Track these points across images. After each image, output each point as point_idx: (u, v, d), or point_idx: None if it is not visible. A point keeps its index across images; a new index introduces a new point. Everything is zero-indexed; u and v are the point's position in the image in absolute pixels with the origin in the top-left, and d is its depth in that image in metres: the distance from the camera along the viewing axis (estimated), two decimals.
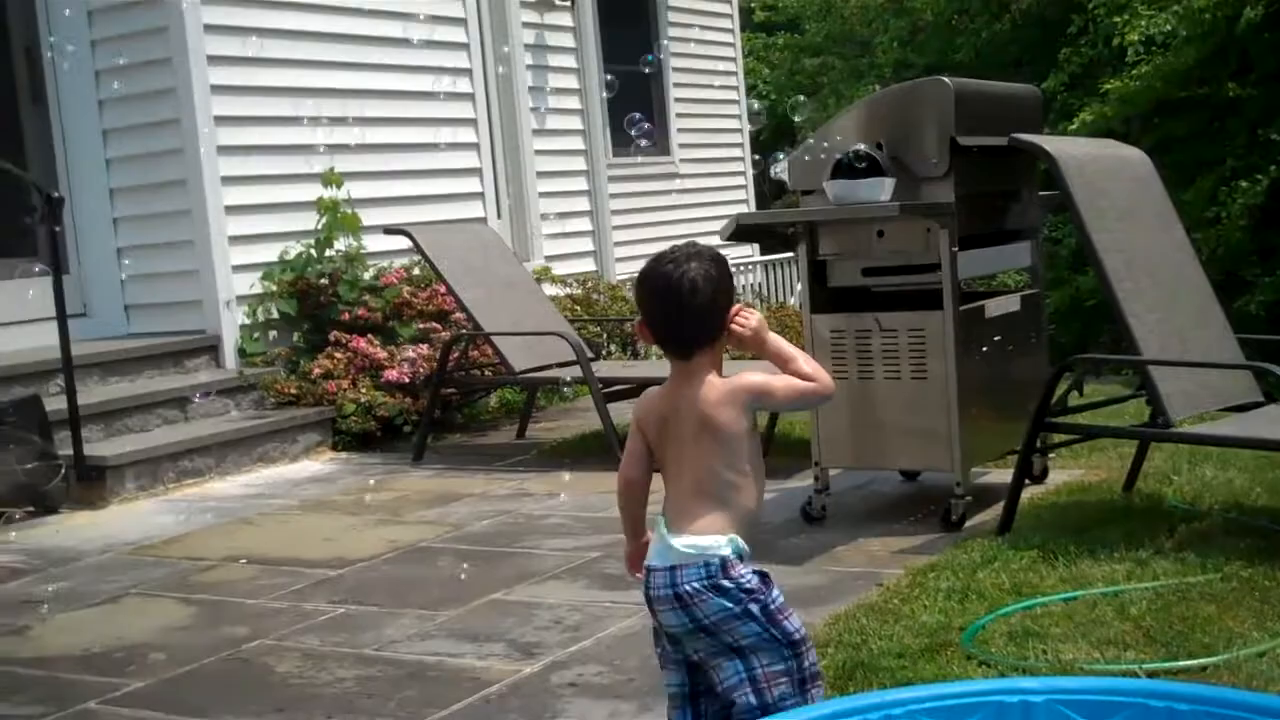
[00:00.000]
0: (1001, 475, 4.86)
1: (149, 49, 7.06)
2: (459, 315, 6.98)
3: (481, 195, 8.71)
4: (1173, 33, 11.30)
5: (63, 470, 5.76)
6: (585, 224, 10.05)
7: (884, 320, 4.61)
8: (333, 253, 7.38)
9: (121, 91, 7.18)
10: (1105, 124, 11.21)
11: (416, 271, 7.52)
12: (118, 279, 7.33)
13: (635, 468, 2.45)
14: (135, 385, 6.62)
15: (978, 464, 4.83)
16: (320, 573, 4.53)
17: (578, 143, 10.03)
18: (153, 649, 3.83)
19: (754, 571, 2.34)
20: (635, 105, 10.13)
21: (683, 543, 2.30)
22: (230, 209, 7.08)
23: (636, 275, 2.45)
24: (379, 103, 7.95)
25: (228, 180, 7.07)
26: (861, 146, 4.56)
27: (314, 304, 7.20)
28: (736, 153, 12.13)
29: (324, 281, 7.20)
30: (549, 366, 6.46)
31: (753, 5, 19.92)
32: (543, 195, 9.52)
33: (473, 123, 8.67)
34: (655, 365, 7.51)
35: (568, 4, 10.00)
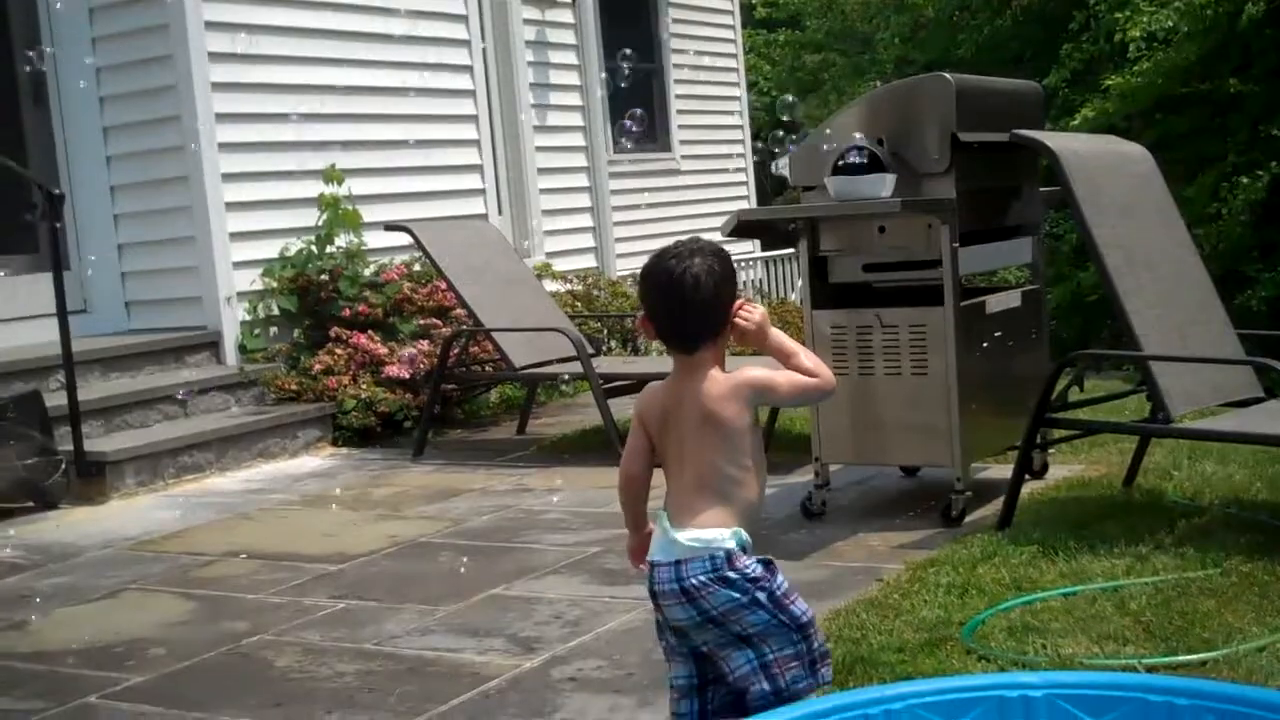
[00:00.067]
0: (1002, 471, 4.86)
1: (150, 46, 7.06)
2: (459, 311, 6.98)
3: (482, 191, 8.71)
4: (1174, 29, 11.30)
5: (63, 466, 5.76)
6: (586, 220, 10.05)
7: (885, 316, 4.61)
8: (334, 249, 7.38)
9: (122, 88, 7.18)
10: (1107, 120, 11.22)
11: (417, 268, 7.52)
12: (118, 275, 7.34)
13: (637, 462, 2.46)
14: (136, 381, 6.62)
15: (978, 459, 4.83)
16: (320, 568, 4.53)
17: (579, 139, 10.03)
18: (152, 644, 3.83)
19: (758, 560, 2.34)
20: (637, 102, 10.14)
21: (687, 537, 2.31)
22: (231, 205, 7.08)
23: (640, 270, 2.44)
24: (380, 99, 7.95)
25: (228, 177, 7.07)
26: (863, 142, 4.56)
27: (315, 300, 7.20)
28: (738, 149, 12.13)
29: (325, 278, 7.20)
30: (549, 362, 6.46)
31: (754, 2, 19.92)
32: (543, 192, 9.52)
33: (474, 119, 8.67)
34: (656, 361, 7.52)
35: (569, 1, 10.00)
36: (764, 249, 11.51)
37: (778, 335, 2.42)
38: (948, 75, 4.61)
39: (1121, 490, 4.71)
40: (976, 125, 4.57)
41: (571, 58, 9.98)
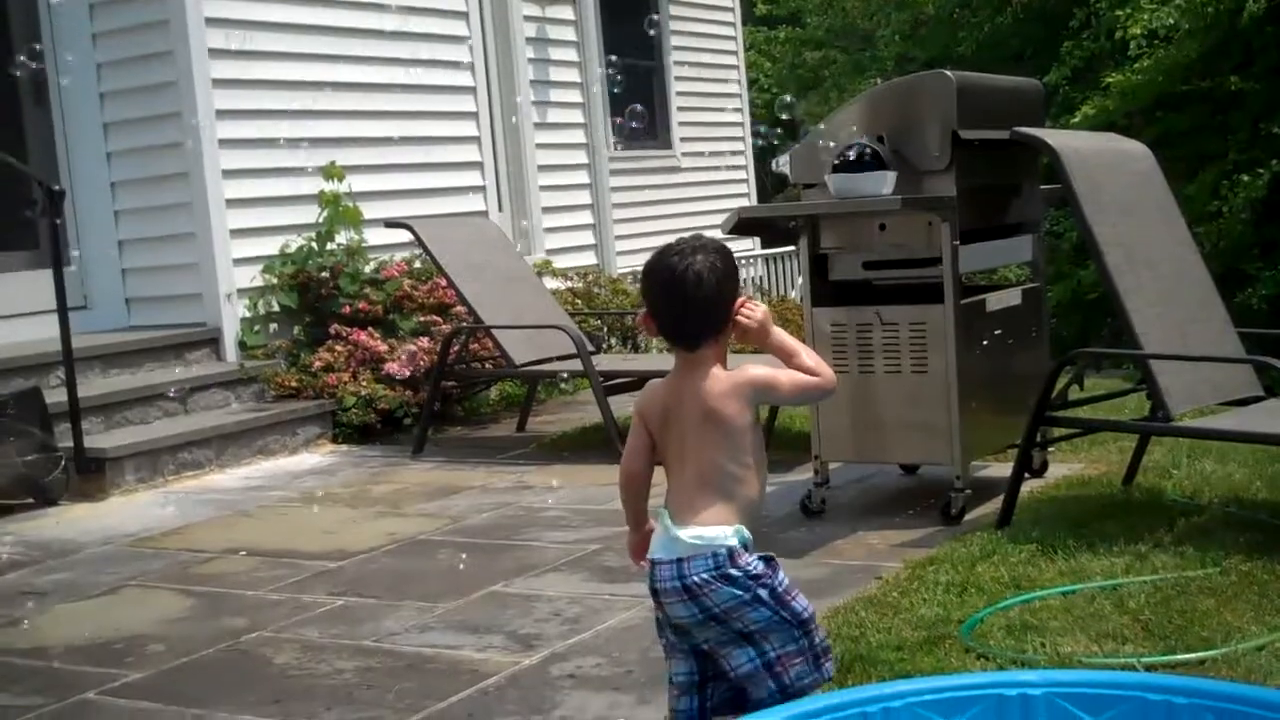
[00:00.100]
0: (1001, 469, 4.86)
1: (150, 42, 7.05)
2: (460, 308, 6.97)
3: (483, 188, 8.71)
4: (1175, 26, 11.30)
5: (63, 462, 5.76)
6: (586, 217, 10.05)
7: (885, 314, 4.61)
8: (334, 246, 7.38)
9: (122, 84, 7.18)
10: (1107, 117, 11.23)
11: (417, 265, 7.52)
12: (118, 272, 7.34)
13: (637, 460, 2.46)
14: (136, 378, 6.62)
15: (977, 458, 4.83)
16: (319, 565, 4.53)
17: (579, 136, 10.02)
18: (151, 640, 3.83)
19: (759, 557, 2.35)
20: (637, 98, 10.14)
21: (689, 534, 2.31)
22: (231, 202, 7.08)
23: (642, 267, 2.44)
24: (380, 96, 7.94)
25: (229, 173, 7.07)
26: (863, 139, 4.55)
27: (315, 297, 7.20)
28: (738, 146, 12.12)
29: (325, 274, 7.20)
30: (549, 360, 6.46)
31: None
32: (544, 189, 9.52)
33: (474, 116, 8.67)
34: (656, 359, 7.52)
35: None
36: (764, 246, 11.49)
37: (779, 334, 2.42)
38: (948, 72, 4.61)
39: (1121, 489, 4.71)
40: (977, 123, 4.57)
41: (572, 54, 9.98)
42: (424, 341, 7.00)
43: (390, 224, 6.90)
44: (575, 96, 10.00)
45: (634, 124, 9.21)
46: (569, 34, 9.96)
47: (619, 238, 10.20)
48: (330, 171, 7.41)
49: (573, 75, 9.97)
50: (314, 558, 4.63)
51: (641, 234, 10.21)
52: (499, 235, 7.44)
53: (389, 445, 6.74)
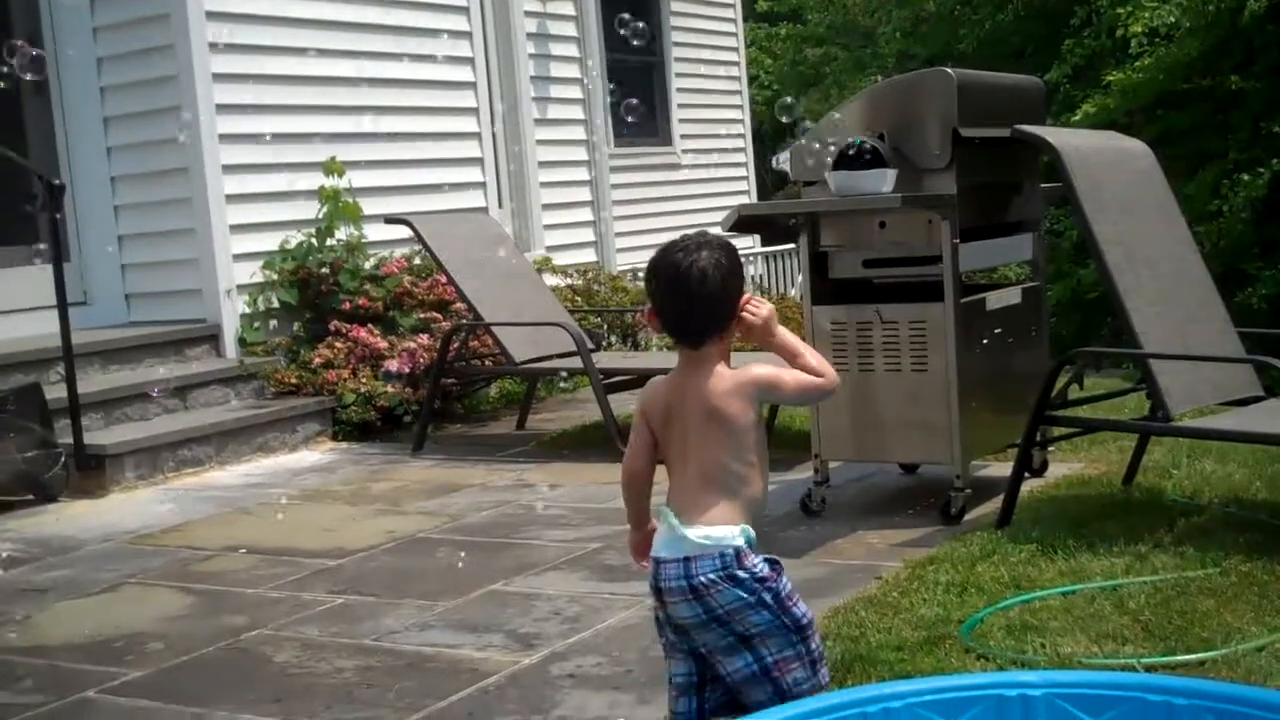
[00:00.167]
0: (1001, 469, 4.86)
1: (150, 36, 7.05)
2: (460, 305, 6.97)
3: (483, 185, 8.70)
4: (1176, 24, 11.30)
5: (62, 459, 5.76)
6: (586, 214, 10.04)
7: (885, 312, 4.60)
8: (334, 242, 7.37)
9: (122, 79, 7.17)
10: (1108, 116, 11.23)
11: (417, 261, 7.52)
12: (118, 267, 7.33)
13: (640, 458, 2.45)
14: (135, 374, 6.62)
15: (977, 457, 4.83)
16: (319, 563, 4.53)
17: (579, 132, 10.02)
18: (151, 638, 3.83)
19: (764, 559, 2.34)
20: (638, 95, 10.13)
21: (697, 534, 2.30)
22: (231, 197, 7.07)
23: (647, 264, 2.44)
24: (380, 91, 7.94)
25: (229, 169, 7.07)
26: (864, 137, 4.55)
27: (315, 293, 7.20)
28: (739, 143, 12.12)
29: (325, 270, 7.20)
30: (549, 357, 6.46)
31: None
32: (544, 185, 9.52)
33: (474, 112, 8.66)
34: (656, 356, 7.51)
35: None
36: (764, 244, 11.48)
37: (784, 333, 2.42)
38: (949, 70, 4.60)
39: (1121, 489, 4.71)
40: (978, 120, 4.56)
41: (573, 50, 9.97)
42: (424, 338, 7.00)
43: (390, 220, 6.89)
44: (575, 93, 9.99)
45: (628, 118, 9.21)
46: (569, 30, 9.95)
47: (619, 235, 10.19)
48: (330, 167, 7.40)
49: (573, 71, 9.96)
50: (314, 555, 4.63)
51: (642, 231, 10.21)
52: (499, 232, 7.43)
53: (389, 442, 6.73)
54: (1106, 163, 4.59)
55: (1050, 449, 5.11)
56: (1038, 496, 4.64)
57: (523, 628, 3.71)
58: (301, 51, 7.51)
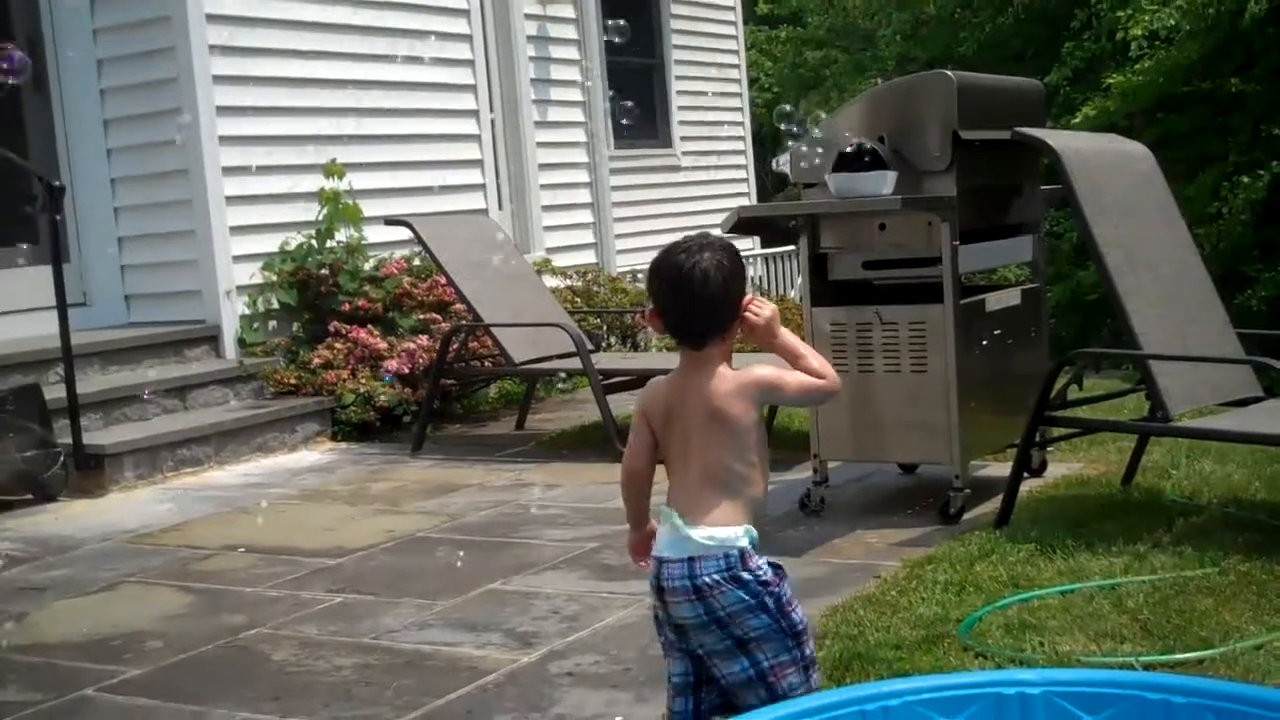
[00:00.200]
0: (1000, 469, 4.86)
1: (151, 38, 7.05)
2: (459, 306, 6.97)
3: (483, 186, 8.71)
4: (1176, 27, 11.30)
5: (62, 458, 5.76)
6: (586, 216, 10.05)
7: (884, 313, 4.61)
8: (333, 243, 7.38)
9: (123, 81, 7.18)
10: (1108, 118, 11.23)
11: (417, 262, 7.52)
12: (118, 268, 7.34)
13: (640, 458, 2.44)
14: (135, 374, 6.62)
15: (977, 457, 4.83)
16: (318, 562, 4.53)
17: (579, 134, 10.02)
18: (150, 637, 3.83)
19: (768, 562, 2.34)
20: (638, 97, 10.14)
21: (701, 534, 2.30)
22: (231, 199, 7.08)
23: (649, 265, 2.44)
24: (380, 93, 7.94)
25: (229, 170, 7.07)
26: (863, 140, 4.55)
27: (314, 294, 7.20)
28: (738, 145, 12.12)
29: (324, 272, 7.20)
30: (549, 358, 6.46)
31: None
32: (544, 187, 9.52)
33: (474, 114, 8.67)
34: (655, 357, 7.52)
35: None
36: (764, 246, 11.49)
37: (786, 334, 2.42)
38: (949, 73, 4.61)
39: (1120, 489, 4.71)
40: (978, 123, 4.57)
41: (573, 53, 9.98)
42: (423, 339, 7.00)
43: (390, 221, 6.90)
44: (575, 95, 10.00)
45: (624, 120, 9.22)
46: (569, 32, 9.96)
47: (619, 236, 10.20)
48: (330, 169, 7.40)
49: (573, 74, 9.97)
50: (313, 555, 4.63)
51: (641, 233, 10.21)
52: (499, 233, 7.43)
53: (388, 443, 6.74)
54: (1107, 165, 4.59)
55: (1049, 449, 5.11)
56: (1037, 496, 4.64)
57: (521, 626, 3.71)
58: (302, 54, 7.51)
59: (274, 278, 7.20)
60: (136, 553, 4.84)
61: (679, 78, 11.31)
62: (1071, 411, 4.57)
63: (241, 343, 7.06)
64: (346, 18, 7.78)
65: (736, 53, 12.36)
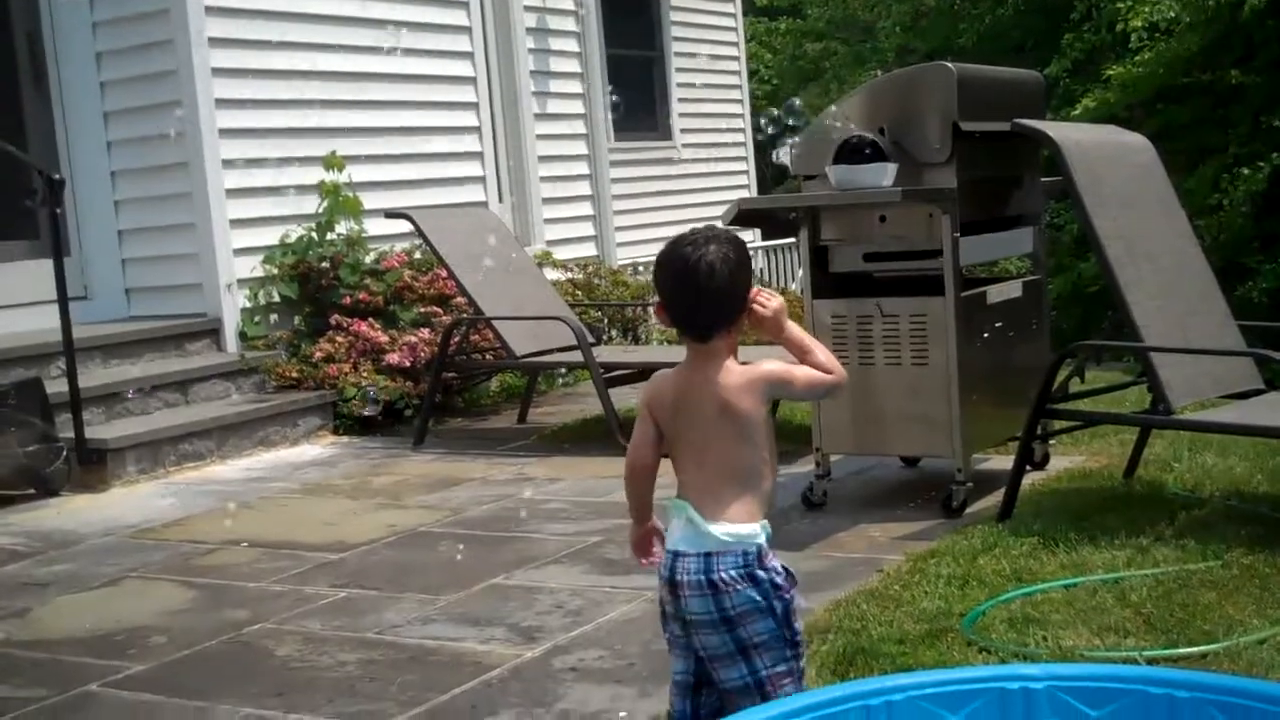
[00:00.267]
0: (1002, 462, 4.86)
1: (150, 31, 7.04)
2: (460, 299, 6.97)
3: (483, 179, 8.70)
4: (1176, 19, 11.29)
5: (64, 453, 5.76)
6: (586, 208, 10.04)
7: (886, 306, 4.60)
8: (334, 236, 7.38)
9: (123, 73, 7.17)
10: (1108, 110, 11.22)
11: (418, 255, 7.51)
12: (119, 262, 7.33)
13: (645, 452, 2.43)
14: (136, 368, 6.62)
15: (978, 450, 4.83)
16: (321, 556, 4.54)
17: (579, 127, 10.01)
18: (153, 632, 3.84)
19: (783, 565, 2.34)
20: (638, 89, 10.13)
21: (721, 531, 2.29)
22: (231, 192, 7.07)
23: (655, 257, 2.43)
24: (380, 86, 7.93)
25: (229, 163, 7.06)
26: (863, 131, 4.55)
27: (315, 287, 7.20)
28: (739, 138, 12.11)
29: (325, 265, 7.20)
30: (550, 351, 6.46)
31: None
32: (544, 179, 9.51)
33: (474, 106, 8.66)
34: (656, 350, 7.52)
35: None
36: (764, 238, 11.52)
37: (794, 328, 2.41)
38: (949, 64, 4.60)
39: (1122, 482, 4.71)
40: (978, 114, 4.56)
41: (573, 45, 9.97)
42: (424, 332, 7.00)
43: (390, 214, 6.89)
44: (575, 87, 9.98)
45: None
46: (569, 24, 9.94)
47: (619, 229, 10.19)
48: (330, 161, 7.40)
49: (573, 66, 9.96)
50: (315, 549, 4.63)
51: (642, 225, 10.21)
52: (499, 226, 7.43)
53: (389, 437, 6.74)
54: (1107, 157, 4.59)
55: (1051, 442, 5.11)
56: (1039, 490, 4.65)
57: (524, 621, 3.71)
58: (301, 46, 7.50)
59: (275, 271, 7.20)
60: (139, 547, 4.84)
61: (679, 69, 11.30)
62: (1073, 404, 4.57)
63: (243, 336, 7.06)
64: (345, 10, 7.77)
65: (736, 44, 12.34)
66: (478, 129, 8.67)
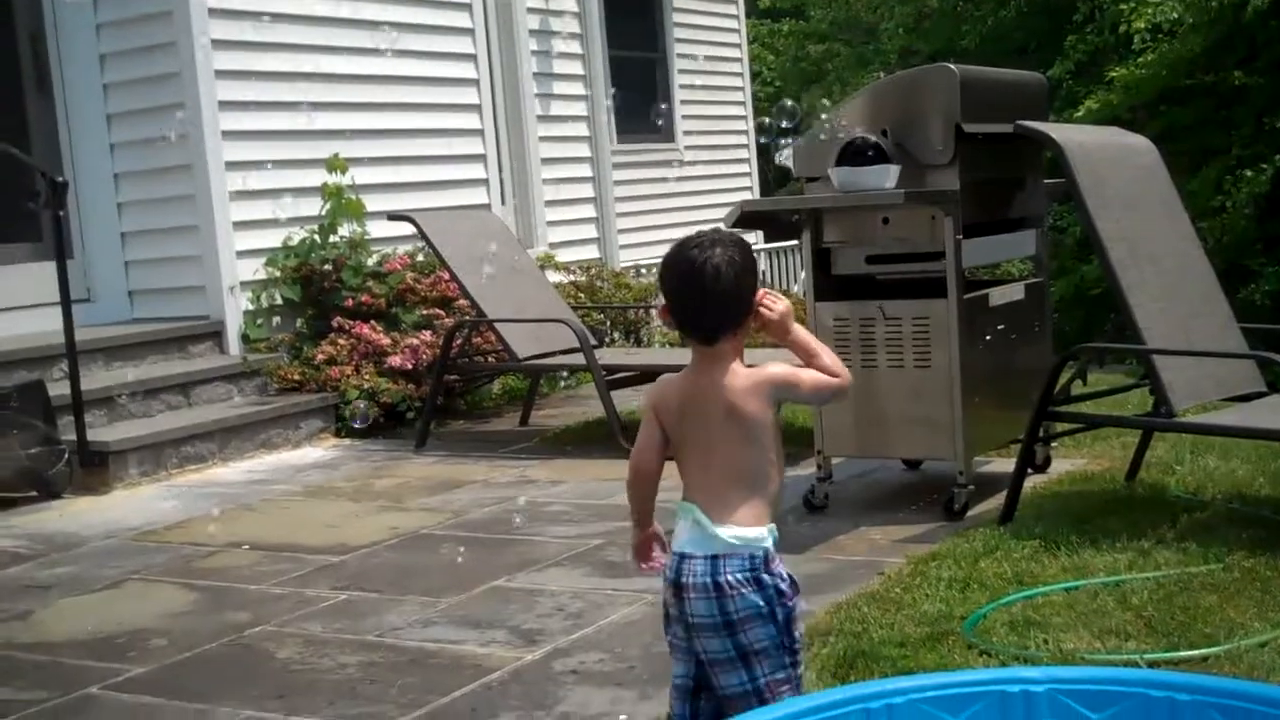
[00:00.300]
0: (1004, 465, 4.86)
1: (153, 33, 7.05)
2: (462, 302, 6.97)
3: (486, 182, 8.70)
4: (1179, 20, 11.29)
5: (66, 455, 5.76)
6: (589, 211, 10.05)
7: (888, 308, 4.60)
8: (337, 239, 7.38)
9: (126, 76, 7.17)
10: (1111, 111, 11.22)
11: (420, 258, 7.52)
12: (121, 264, 7.34)
13: (650, 455, 2.41)
14: (139, 370, 6.62)
15: (980, 453, 4.83)
16: (322, 559, 4.54)
17: (582, 129, 10.01)
18: (155, 634, 3.84)
19: (788, 573, 2.34)
20: (641, 92, 10.13)
21: (729, 534, 2.29)
22: (234, 194, 7.07)
23: (661, 260, 2.43)
24: (384, 88, 7.93)
25: (232, 165, 7.07)
26: (866, 133, 4.55)
27: (318, 290, 7.20)
28: (741, 140, 12.11)
29: (328, 267, 7.20)
30: (552, 353, 6.46)
31: None
32: (546, 182, 9.52)
33: (477, 108, 8.66)
34: (659, 353, 7.52)
35: None
36: (767, 241, 11.52)
37: (800, 331, 2.41)
38: (952, 66, 4.60)
39: (1124, 485, 4.71)
40: (981, 116, 4.56)
41: (575, 47, 9.97)
42: (426, 335, 7.00)
43: (393, 217, 6.89)
44: (578, 89, 9.98)
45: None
46: (572, 26, 9.94)
47: (622, 231, 10.19)
48: (333, 164, 7.40)
49: (576, 68, 9.96)
50: (317, 552, 4.63)
51: (644, 227, 10.21)
52: (502, 228, 7.43)
53: (392, 439, 6.74)
54: (1110, 159, 4.58)
55: (1053, 445, 5.11)
56: (1040, 492, 4.64)
57: (525, 624, 3.71)
58: (304, 48, 7.51)
59: (277, 273, 7.20)
60: (140, 550, 4.84)
61: (681, 71, 11.29)
62: (1075, 407, 4.57)
63: (245, 339, 7.06)
64: (348, 12, 7.77)
65: (739, 46, 12.34)
66: (480, 131, 8.67)
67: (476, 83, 8.66)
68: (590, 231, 10.00)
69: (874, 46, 17.78)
